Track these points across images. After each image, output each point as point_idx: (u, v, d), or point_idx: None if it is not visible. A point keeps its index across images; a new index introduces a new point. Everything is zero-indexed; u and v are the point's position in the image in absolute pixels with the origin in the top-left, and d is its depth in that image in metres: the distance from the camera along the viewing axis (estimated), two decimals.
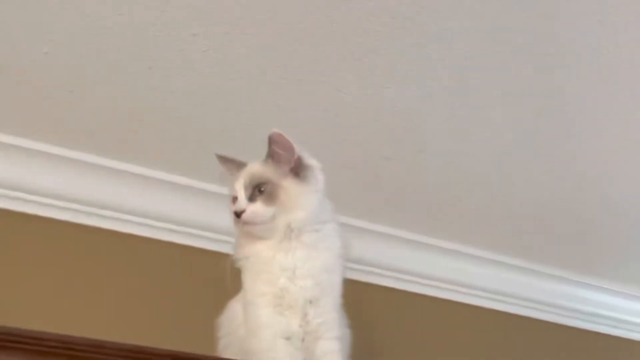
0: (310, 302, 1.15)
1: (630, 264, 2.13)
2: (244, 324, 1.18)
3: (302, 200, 1.17)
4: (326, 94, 1.48)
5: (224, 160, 1.26)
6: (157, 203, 1.65)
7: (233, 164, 1.24)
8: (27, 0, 1.24)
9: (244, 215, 1.16)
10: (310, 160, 1.21)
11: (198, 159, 1.57)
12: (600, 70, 1.47)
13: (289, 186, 1.17)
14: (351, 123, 1.57)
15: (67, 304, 1.52)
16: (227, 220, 1.23)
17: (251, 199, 1.17)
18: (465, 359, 1.92)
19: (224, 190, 1.26)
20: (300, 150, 1.20)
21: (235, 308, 1.23)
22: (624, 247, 2.04)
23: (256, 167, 1.20)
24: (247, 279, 1.19)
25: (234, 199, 1.19)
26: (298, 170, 1.18)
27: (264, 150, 1.19)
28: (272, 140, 1.18)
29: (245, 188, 1.17)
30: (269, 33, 1.34)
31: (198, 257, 1.67)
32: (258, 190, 1.17)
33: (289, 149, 1.18)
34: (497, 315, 2.04)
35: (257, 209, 1.16)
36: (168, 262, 1.66)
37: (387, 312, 1.88)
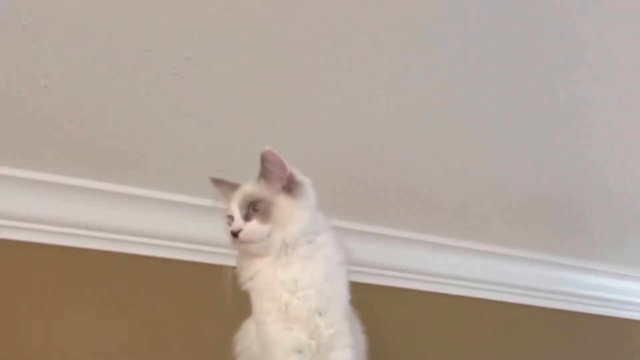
0: (320, 314, 1.17)
1: (627, 247, 2.16)
2: (257, 342, 1.21)
3: (295, 215, 1.19)
4: (318, 105, 1.51)
5: (217, 182, 1.28)
6: (157, 222, 1.68)
7: (227, 186, 1.26)
8: (26, 36, 1.27)
9: (240, 234, 1.18)
10: (301, 177, 1.23)
11: (195, 176, 1.59)
12: (593, 61, 1.48)
13: (282, 203, 1.19)
14: (344, 132, 1.60)
15: (74, 329, 1.57)
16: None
17: (247, 218, 1.19)
18: (470, 351, 1.96)
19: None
20: (291, 167, 1.22)
21: (248, 326, 1.26)
22: (620, 231, 2.07)
23: (249, 187, 1.22)
24: (255, 298, 1.21)
25: (230, 219, 1.21)
26: (290, 186, 1.21)
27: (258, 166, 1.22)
28: (264, 159, 1.20)
29: (240, 208, 1.20)
30: (259, 51, 1.36)
31: (202, 272, 1.69)
32: (253, 208, 1.19)
33: (281, 166, 1.20)
34: (503, 306, 2.08)
35: (253, 227, 1.18)
36: (172, 279, 1.69)
37: (394, 312, 1.92)
